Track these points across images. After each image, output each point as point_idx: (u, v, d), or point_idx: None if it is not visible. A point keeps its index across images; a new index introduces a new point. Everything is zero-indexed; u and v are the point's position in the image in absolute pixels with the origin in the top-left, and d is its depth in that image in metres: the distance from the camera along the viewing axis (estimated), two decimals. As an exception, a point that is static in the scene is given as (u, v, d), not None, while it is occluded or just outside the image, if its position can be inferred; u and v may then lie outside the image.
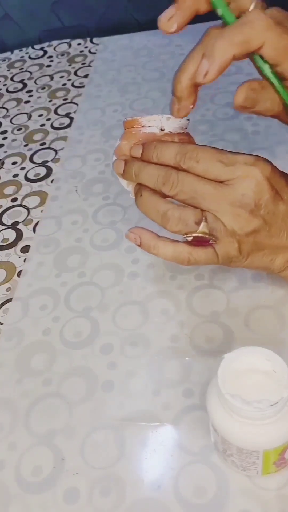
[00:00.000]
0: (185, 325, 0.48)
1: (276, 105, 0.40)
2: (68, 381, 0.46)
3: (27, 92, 0.87)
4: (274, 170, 0.39)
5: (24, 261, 0.58)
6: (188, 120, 0.42)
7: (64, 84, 0.87)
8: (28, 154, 0.73)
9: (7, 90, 0.89)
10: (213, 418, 0.35)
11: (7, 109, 0.84)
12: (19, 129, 0.79)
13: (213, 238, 0.40)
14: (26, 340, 0.50)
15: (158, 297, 0.51)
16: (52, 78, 0.89)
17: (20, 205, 0.65)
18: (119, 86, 0.82)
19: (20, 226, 0.62)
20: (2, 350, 0.49)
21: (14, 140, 0.77)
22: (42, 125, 0.79)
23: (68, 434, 0.42)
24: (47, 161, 0.71)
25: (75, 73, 0.89)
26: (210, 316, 0.48)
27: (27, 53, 0.98)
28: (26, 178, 0.69)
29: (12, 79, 0.92)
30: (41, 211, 0.64)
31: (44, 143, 0.75)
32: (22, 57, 0.97)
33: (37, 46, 0.99)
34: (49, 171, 0.70)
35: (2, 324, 0.52)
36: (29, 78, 0.90)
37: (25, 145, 0.75)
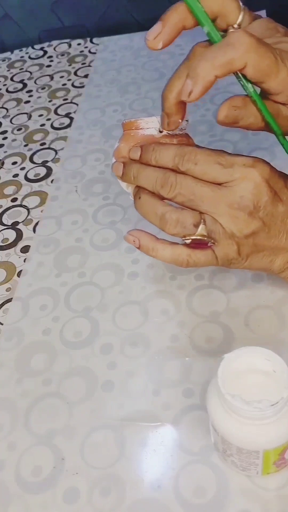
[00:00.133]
0: (185, 325, 0.48)
1: (259, 121, 0.40)
2: (68, 381, 0.46)
3: (27, 92, 0.87)
4: (273, 171, 0.39)
5: (24, 261, 0.58)
6: (187, 121, 0.42)
7: (64, 84, 0.87)
8: (28, 154, 0.73)
9: (7, 90, 0.89)
10: (213, 418, 0.35)
11: (7, 109, 0.84)
12: (19, 129, 0.79)
13: (212, 241, 0.40)
14: (26, 340, 0.50)
15: (158, 297, 0.51)
16: (52, 78, 0.89)
17: (20, 205, 0.65)
18: (119, 86, 0.82)
19: (20, 226, 0.62)
20: (2, 350, 0.49)
21: (14, 140, 0.77)
22: (42, 125, 0.79)
23: (68, 434, 0.42)
24: (47, 161, 0.71)
25: (75, 73, 0.89)
26: (210, 316, 0.48)
27: (27, 53, 0.98)
28: (26, 178, 0.69)
29: (12, 79, 0.92)
30: (41, 211, 0.64)
31: (44, 143, 0.75)
32: (22, 57, 0.97)
33: (37, 46, 0.99)
34: (49, 171, 0.70)
35: (2, 324, 0.52)
36: (29, 78, 0.90)
37: (25, 145, 0.75)
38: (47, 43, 0.99)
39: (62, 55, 0.95)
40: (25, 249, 0.59)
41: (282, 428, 0.33)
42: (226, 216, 0.39)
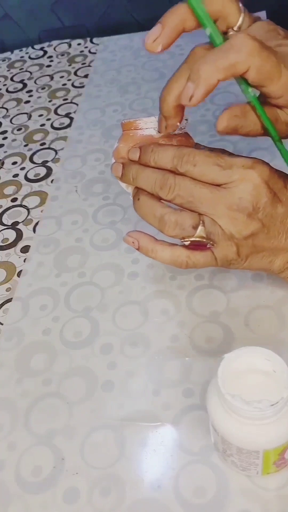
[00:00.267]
0: (185, 325, 0.48)
1: (258, 128, 0.40)
2: (68, 381, 0.46)
3: (27, 92, 0.87)
4: (272, 172, 0.39)
5: (24, 261, 0.58)
6: (187, 120, 0.42)
7: (64, 84, 0.87)
8: (28, 154, 0.73)
9: (7, 90, 0.89)
10: (213, 418, 0.35)
11: (7, 109, 0.84)
12: (19, 129, 0.79)
13: (211, 242, 0.40)
14: (26, 340, 0.50)
15: (158, 297, 0.51)
16: (52, 78, 0.89)
17: (20, 205, 0.65)
18: (119, 86, 0.82)
19: (20, 226, 0.62)
20: (2, 350, 0.49)
21: (14, 140, 0.77)
22: (42, 125, 0.79)
23: (68, 434, 0.42)
24: (47, 161, 0.71)
25: (75, 73, 0.89)
26: (210, 316, 0.48)
27: (27, 53, 0.98)
28: (26, 178, 0.69)
29: (12, 79, 0.91)
30: (41, 211, 0.64)
31: (44, 143, 0.75)
32: (22, 57, 0.97)
33: (37, 46, 0.99)
34: (49, 171, 0.70)
35: (2, 324, 0.52)
36: (29, 78, 0.90)
37: (25, 145, 0.75)
38: (47, 43, 0.99)
39: (62, 55, 0.95)
40: (25, 249, 0.59)
41: (282, 428, 0.33)
42: (225, 217, 0.39)
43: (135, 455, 0.40)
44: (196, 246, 0.40)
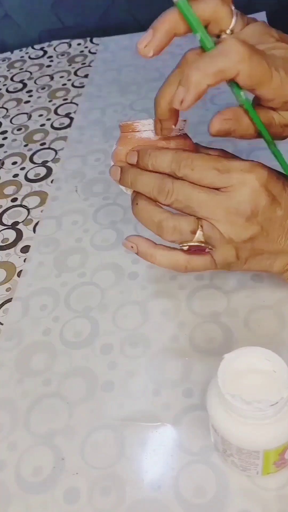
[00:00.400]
0: (185, 325, 0.48)
1: (252, 131, 0.40)
2: (68, 381, 0.46)
3: (27, 92, 0.87)
4: (270, 175, 0.39)
5: (24, 261, 0.58)
6: (185, 121, 0.42)
7: (64, 84, 0.87)
8: (28, 154, 0.73)
9: (7, 90, 0.89)
10: (213, 418, 0.35)
11: (7, 109, 0.84)
12: (19, 129, 0.79)
13: (210, 246, 0.40)
14: (26, 340, 0.50)
15: (158, 297, 0.51)
16: (52, 78, 0.89)
17: (20, 205, 0.65)
18: (119, 86, 0.82)
19: (20, 226, 0.62)
20: (2, 350, 0.49)
21: (14, 140, 0.77)
22: (42, 125, 0.79)
23: (68, 434, 0.42)
24: (47, 161, 0.71)
25: (75, 73, 0.89)
26: (210, 316, 0.48)
27: (27, 53, 0.98)
28: (26, 178, 0.69)
29: (12, 79, 0.92)
30: (41, 211, 0.64)
31: (44, 143, 0.75)
32: (22, 57, 0.97)
33: (37, 46, 0.99)
34: (49, 171, 0.70)
35: (2, 324, 0.52)
36: (29, 78, 0.90)
37: (25, 145, 0.75)
38: (47, 43, 0.99)
39: (62, 55, 0.95)
40: (25, 249, 0.59)
41: (282, 428, 0.33)
42: (224, 221, 0.39)
43: (135, 455, 0.40)
44: (195, 250, 0.40)
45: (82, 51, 0.95)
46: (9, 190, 0.68)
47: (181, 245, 0.40)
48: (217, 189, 0.38)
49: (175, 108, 0.39)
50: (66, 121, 0.78)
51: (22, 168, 0.71)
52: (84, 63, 0.91)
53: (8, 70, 0.94)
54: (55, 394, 0.45)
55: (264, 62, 0.36)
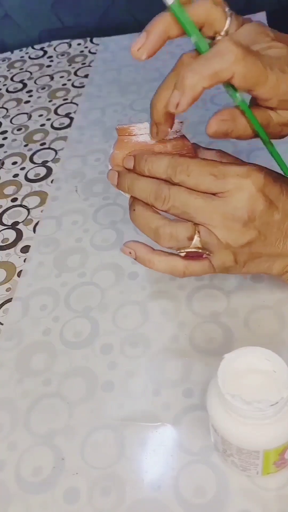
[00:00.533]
0: (185, 325, 0.48)
1: (249, 131, 0.40)
2: (68, 381, 0.46)
3: (27, 92, 0.87)
4: (268, 179, 0.38)
5: (24, 261, 0.58)
6: (182, 122, 0.42)
7: (64, 84, 0.87)
8: (28, 154, 0.73)
9: (7, 90, 0.89)
10: (213, 418, 0.35)
11: (7, 109, 0.84)
12: (19, 129, 0.79)
13: (207, 252, 0.40)
14: (26, 340, 0.50)
15: (158, 297, 0.51)
16: (52, 78, 0.89)
17: (20, 205, 0.65)
18: (119, 86, 0.82)
19: (20, 226, 0.62)
20: (2, 350, 0.49)
21: (14, 140, 0.77)
22: (42, 125, 0.79)
23: (68, 434, 0.42)
24: (47, 161, 0.71)
25: (75, 73, 0.89)
26: (210, 316, 0.48)
27: (27, 53, 0.98)
28: (26, 178, 0.69)
29: (12, 79, 0.92)
30: (41, 211, 0.64)
31: (44, 143, 0.75)
32: (22, 57, 0.97)
33: (37, 46, 0.99)
34: (49, 171, 0.70)
35: (2, 324, 0.52)
36: (29, 78, 0.90)
37: (25, 145, 0.75)
38: (47, 43, 0.99)
39: (62, 55, 0.95)
40: (25, 249, 0.59)
41: (282, 428, 0.33)
42: (221, 227, 0.38)
43: (135, 455, 0.40)
44: (193, 256, 0.40)
45: (82, 51, 0.95)
46: (9, 190, 0.68)
47: (178, 251, 0.40)
48: (214, 194, 0.38)
49: (171, 112, 0.39)
50: (66, 121, 0.78)
51: (22, 168, 0.71)
52: (84, 63, 0.91)
53: (8, 70, 0.94)
54: (55, 394, 0.45)
55: (259, 62, 0.36)
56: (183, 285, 0.51)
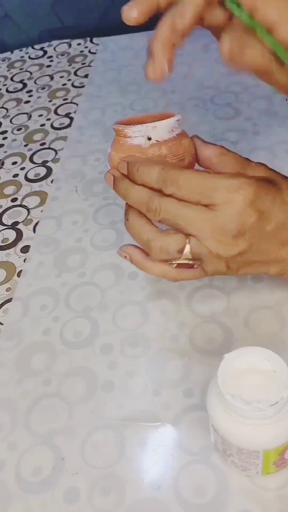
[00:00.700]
0: (185, 325, 0.48)
1: (263, 57, 0.36)
2: (68, 381, 0.46)
3: (27, 92, 0.87)
4: (259, 191, 0.38)
5: (24, 261, 0.58)
6: (178, 120, 0.41)
7: (64, 84, 0.87)
8: (28, 154, 0.73)
9: (7, 90, 0.89)
10: (213, 418, 0.35)
11: (7, 109, 0.84)
12: (19, 129, 0.79)
13: (198, 263, 0.40)
14: (26, 340, 0.50)
15: (158, 297, 0.51)
16: (52, 78, 0.89)
17: (20, 205, 0.65)
18: (119, 86, 0.82)
19: (20, 226, 0.62)
20: (2, 350, 0.49)
21: (14, 140, 0.77)
22: (42, 125, 0.79)
23: (68, 434, 0.42)
24: (47, 161, 0.71)
25: (75, 73, 0.89)
26: (210, 316, 0.48)
27: (27, 53, 0.98)
28: (26, 178, 0.69)
29: (12, 79, 0.92)
30: (41, 211, 0.64)
31: (44, 143, 0.75)
32: (22, 57, 0.97)
33: (37, 46, 0.99)
34: (49, 171, 0.70)
35: (2, 324, 0.52)
36: (29, 78, 0.90)
37: (25, 145, 0.75)
38: (47, 43, 0.99)
39: (62, 55, 0.95)
40: (25, 249, 0.59)
41: (282, 428, 0.33)
42: (211, 239, 0.39)
43: (135, 455, 0.40)
44: (184, 266, 0.41)
45: (82, 51, 0.95)
46: (9, 190, 0.68)
47: (169, 263, 0.41)
48: (205, 205, 0.39)
49: (172, 46, 0.37)
50: (66, 121, 0.78)
51: (22, 168, 0.71)
52: (84, 63, 0.91)
53: (8, 70, 0.94)
54: (55, 394, 0.45)
55: None
56: (183, 285, 0.51)
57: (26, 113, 0.82)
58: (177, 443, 0.40)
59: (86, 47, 0.96)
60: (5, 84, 0.90)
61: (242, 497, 0.37)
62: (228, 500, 0.37)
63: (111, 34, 0.96)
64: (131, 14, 0.38)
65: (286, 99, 0.66)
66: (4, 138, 0.78)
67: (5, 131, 0.79)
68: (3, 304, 0.54)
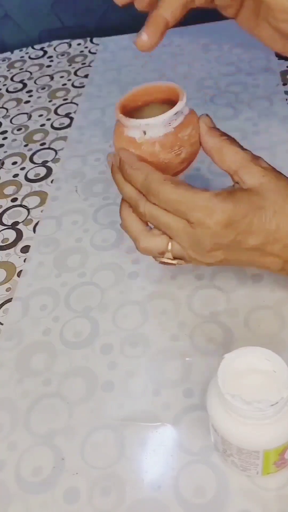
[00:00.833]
0: (185, 325, 0.48)
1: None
2: (68, 381, 0.46)
3: (27, 92, 0.87)
4: (234, 216, 0.38)
5: (24, 261, 0.58)
6: (176, 113, 0.40)
7: (64, 84, 0.87)
8: (28, 154, 0.73)
9: (7, 90, 0.89)
10: (213, 418, 0.35)
11: (7, 109, 0.84)
12: (19, 129, 0.79)
13: (181, 262, 0.42)
14: (26, 340, 0.50)
15: (158, 297, 0.51)
16: (52, 78, 0.89)
17: (20, 205, 0.65)
18: (119, 86, 0.82)
19: (20, 226, 0.62)
20: (2, 350, 0.49)
21: (14, 140, 0.77)
22: (42, 125, 0.79)
23: (68, 434, 0.42)
24: (47, 161, 0.71)
25: (75, 73, 0.89)
26: (210, 316, 0.48)
27: (27, 53, 0.98)
28: (26, 178, 0.69)
29: (12, 79, 0.92)
30: (41, 211, 0.64)
31: (44, 143, 0.75)
32: (22, 57, 0.97)
33: (37, 46, 0.99)
34: (49, 171, 0.70)
35: (2, 324, 0.52)
36: (29, 78, 0.90)
37: (25, 145, 0.75)
38: (47, 43, 0.99)
39: (62, 55, 0.95)
40: (25, 249, 0.59)
41: (282, 428, 0.33)
42: (189, 247, 0.41)
43: (135, 455, 0.40)
44: (168, 263, 0.43)
45: (82, 51, 0.95)
46: (9, 190, 0.68)
47: (154, 259, 0.44)
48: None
49: (162, 22, 0.40)
50: (66, 121, 0.78)
51: (22, 168, 0.71)
52: (84, 63, 0.91)
53: (8, 70, 0.94)
54: (55, 394, 0.45)
55: None
56: (183, 285, 0.51)
57: (26, 113, 0.82)
58: (177, 443, 0.40)
59: (86, 47, 0.96)
60: (5, 84, 0.90)
61: (242, 497, 0.37)
62: (228, 500, 0.37)
63: (111, 34, 0.96)
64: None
65: (286, 99, 0.66)
66: (4, 138, 0.78)
67: (5, 131, 0.79)
68: (3, 304, 0.54)
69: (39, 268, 0.56)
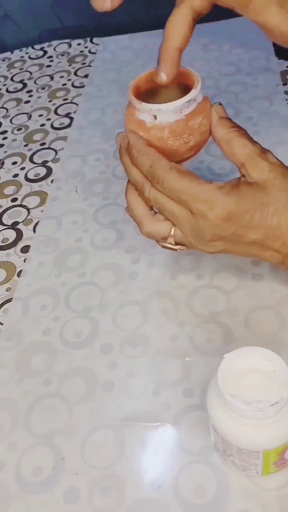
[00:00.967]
0: (185, 325, 0.48)
1: None
2: (68, 381, 0.46)
3: (27, 92, 0.87)
4: (235, 211, 0.38)
5: (24, 261, 0.58)
6: (189, 101, 0.40)
7: (64, 84, 0.87)
8: (28, 154, 0.73)
9: (7, 90, 0.89)
10: (213, 418, 0.35)
11: (7, 109, 0.84)
12: (19, 129, 0.79)
13: (182, 248, 0.43)
14: (26, 340, 0.50)
15: (158, 297, 0.51)
16: (52, 78, 0.89)
17: (20, 205, 0.65)
18: (119, 86, 0.82)
19: (20, 226, 0.62)
20: (2, 350, 0.49)
21: (14, 140, 0.77)
22: (42, 125, 0.79)
23: (68, 434, 0.42)
24: (47, 161, 0.71)
25: (75, 73, 0.89)
26: (210, 316, 0.48)
27: (27, 53, 0.98)
28: (26, 178, 0.69)
29: (12, 79, 0.92)
30: (41, 211, 0.64)
31: (44, 143, 0.75)
32: (22, 57, 0.97)
33: (37, 46, 0.99)
34: (49, 171, 0.70)
35: (2, 324, 0.52)
36: (29, 78, 0.90)
37: (25, 145, 0.75)
38: (47, 43, 0.99)
39: (62, 55, 0.95)
40: (25, 249, 0.59)
41: (282, 428, 0.33)
42: (190, 235, 0.41)
43: (135, 455, 0.40)
44: (170, 247, 0.44)
45: (82, 51, 0.95)
46: (9, 190, 0.68)
47: (156, 243, 0.44)
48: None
49: (176, 53, 0.40)
50: (66, 121, 0.78)
51: (22, 168, 0.71)
52: (84, 63, 0.91)
53: (8, 70, 0.94)
54: (55, 394, 0.45)
55: None
56: (183, 285, 0.51)
57: (26, 113, 0.82)
58: (177, 443, 0.40)
59: (86, 47, 0.96)
60: (5, 84, 0.90)
61: (242, 497, 0.37)
62: (228, 500, 0.37)
63: (111, 34, 0.96)
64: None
65: (286, 99, 0.66)
66: (4, 138, 0.78)
67: (5, 131, 0.79)
68: (3, 304, 0.54)
69: (39, 268, 0.56)
